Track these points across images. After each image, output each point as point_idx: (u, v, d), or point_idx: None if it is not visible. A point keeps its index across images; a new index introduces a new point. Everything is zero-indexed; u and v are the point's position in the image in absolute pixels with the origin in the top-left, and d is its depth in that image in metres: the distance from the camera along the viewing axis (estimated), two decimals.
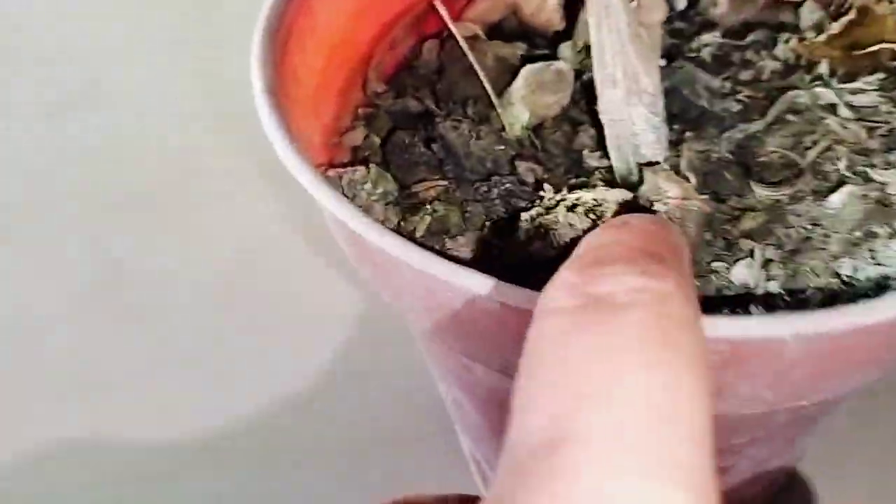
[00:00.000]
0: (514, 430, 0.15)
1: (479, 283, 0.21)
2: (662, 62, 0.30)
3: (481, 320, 0.22)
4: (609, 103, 0.26)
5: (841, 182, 0.26)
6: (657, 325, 0.15)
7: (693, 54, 0.32)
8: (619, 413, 0.14)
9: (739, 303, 0.24)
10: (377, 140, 0.30)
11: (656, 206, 0.25)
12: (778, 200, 0.26)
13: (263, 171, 0.52)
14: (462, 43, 0.31)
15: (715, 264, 0.25)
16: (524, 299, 0.20)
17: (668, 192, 0.25)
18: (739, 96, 0.30)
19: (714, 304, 0.24)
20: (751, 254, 0.25)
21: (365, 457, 0.41)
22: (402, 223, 0.27)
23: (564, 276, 0.17)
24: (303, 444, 0.42)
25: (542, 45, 0.33)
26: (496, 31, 0.35)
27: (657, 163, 0.27)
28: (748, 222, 0.26)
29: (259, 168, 0.52)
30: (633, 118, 0.26)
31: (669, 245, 0.18)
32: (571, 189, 0.26)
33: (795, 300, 0.24)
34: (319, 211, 0.25)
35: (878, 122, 0.28)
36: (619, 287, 0.16)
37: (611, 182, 0.28)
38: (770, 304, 0.24)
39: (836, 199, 0.25)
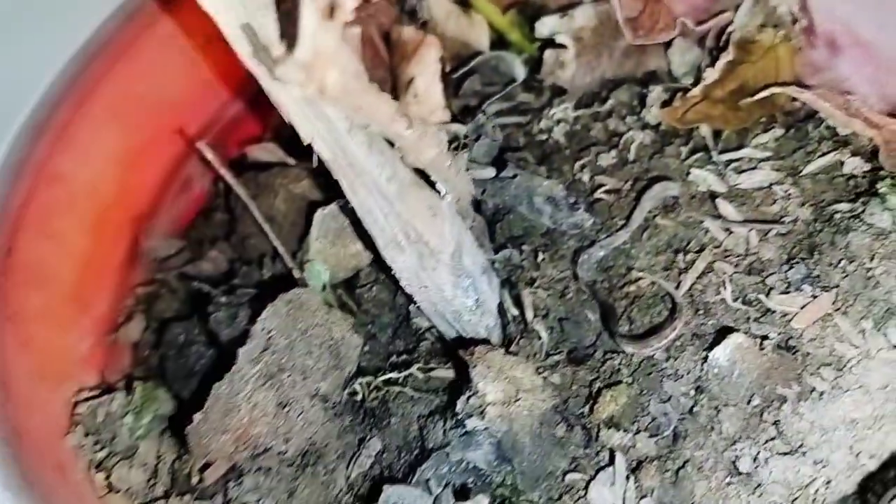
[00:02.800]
0: None
1: None
2: (491, 172, 0.23)
3: None
4: (404, 271, 0.20)
5: (727, 319, 0.19)
6: None
7: (542, 137, 0.25)
8: None
9: None
10: (154, 336, 0.24)
11: (470, 424, 0.18)
12: (650, 356, 0.20)
13: None
14: (239, 191, 0.24)
15: (570, 477, 0.18)
16: None
17: (486, 396, 0.18)
18: (598, 192, 0.23)
19: None
20: (612, 457, 0.18)
21: None
22: (178, 464, 0.21)
23: None
24: None
25: None
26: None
27: (489, 336, 0.20)
28: (611, 404, 0.19)
29: None
30: (438, 285, 0.20)
31: None
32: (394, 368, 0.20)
33: None
34: None
35: (772, 216, 0.21)
36: None
37: (444, 348, 0.21)
38: None
39: (719, 352, 0.19)
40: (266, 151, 0.27)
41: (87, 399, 0.22)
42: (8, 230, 0.23)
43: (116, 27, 0.26)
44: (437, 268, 0.19)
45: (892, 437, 0.17)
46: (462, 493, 0.18)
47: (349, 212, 0.22)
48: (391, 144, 0.18)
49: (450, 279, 0.20)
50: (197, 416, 0.20)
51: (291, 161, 0.27)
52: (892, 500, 0.16)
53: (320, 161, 0.24)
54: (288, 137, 0.28)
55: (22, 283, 0.23)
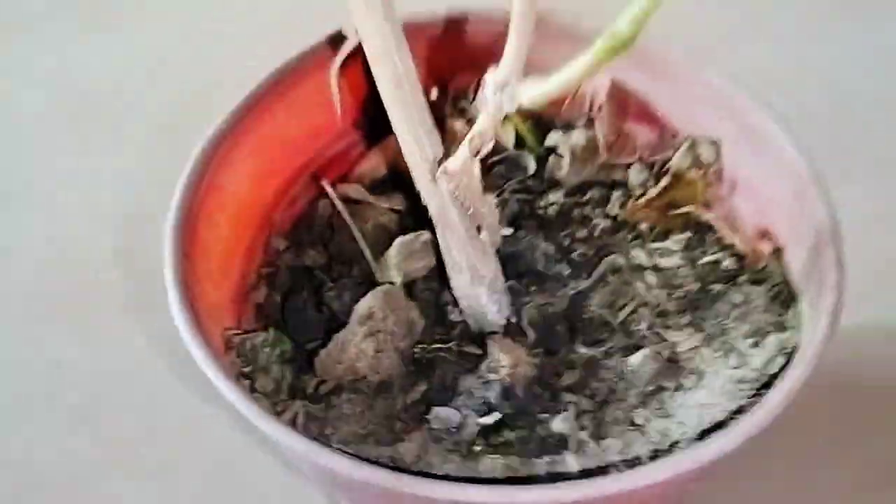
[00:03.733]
0: None
1: (343, 465, 0.27)
2: (508, 231, 0.37)
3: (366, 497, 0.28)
4: (459, 287, 0.33)
5: (641, 341, 0.33)
6: None
7: (542, 211, 0.39)
8: None
9: (558, 448, 0.31)
10: (277, 298, 0.36)
11: (489, 376, 0.31)
12: (594, 356, 0.33)
13: None
14: (346, 216, 0.37)
15: (541, 416, 0.31)
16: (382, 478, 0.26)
17: (501, 361, 0.31)
18: (574, 254, 0.37)
19: (538, 450, 0.30)
20: (566, 407, 0.31)
21: None
22: (296, 381, 0.33)
23: None
24: None
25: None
26: (382, 184, 0.41)
27: (499, 331, 0.33)
28: (569, 377, 0.32)
29: None
30: (478, 296, 0.33)
31: None
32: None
33: (600, 447, 0.30)
34: None
35: (676, 286, 0.35)
36: None
37: (466, 336, 0.35)
38: (582, 449, 0.30)
39: (634, 359, 0.32)
40: (354, 190, 0.40)
41: (236, 334, 0.35)
42: (192, 221, 0.35)
43: (281, 76, 0.38)
44: (481, 286, 0.33)
45: (719, 415, 0.30)
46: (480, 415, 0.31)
47: (427, 243, 0.35)
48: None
49: (486, 293, 0.33)
50: (323, 350, 0.33)
51: (371, 200, 0.40)
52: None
53: (403, 207, 0.38)
54: (368, 185, 0.41)
55: (200, 255, 0.35)
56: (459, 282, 0.33)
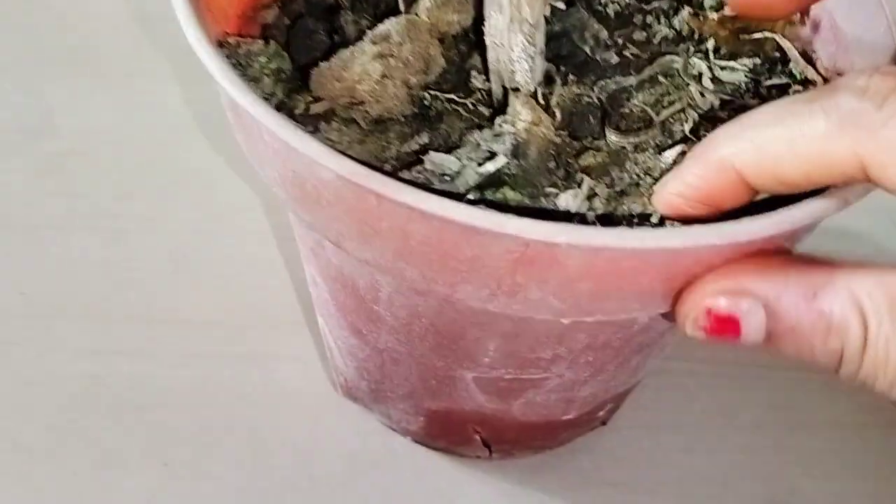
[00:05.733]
0: None
1: (319, 152, 0.23)
2: (561, 4, 0.32)
3: (322, 191, 0.25)
4: (494, 28, 0.29)
5: (681, 141, 0.29)
6: None
7: (598, 7, 0.34)
8: None
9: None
10: (286, 21, 0.32)
11: (504, 127, 0.27)
12: (624, 147, 0.29)
13: None
14: None
15: (549, 189, 0.27)
16: (360, 173, 0.22)
17: (520, 114, 0.27)
18: (625, 52, 0.32)
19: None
20: (579, 185, 0.27)
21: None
22: (286, 100, 0.29)
23: None
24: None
25: None
26: None
27: (527, 92, 0.29)
28: (590, 159, 0.28)
29: None
30: (512, 45, 0.29)
31: None
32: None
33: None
34: None
35: (733, 97, 0.31)
36: None
37: (486, 104, 0.30)
38: None
39: (669, 154, 0.28)
40: None
41: (232, 37, 0.31)
42: None
43: None
44: (518, 33, 0.28)
45: None
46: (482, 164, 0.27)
47: None
48: None
49: (521, 44, 0.28)
50: (324, 63, 0.29)
51: None
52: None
53: None
54: None
55: None
56: (496, 22, 0.29)
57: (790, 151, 0.21)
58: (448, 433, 0.39)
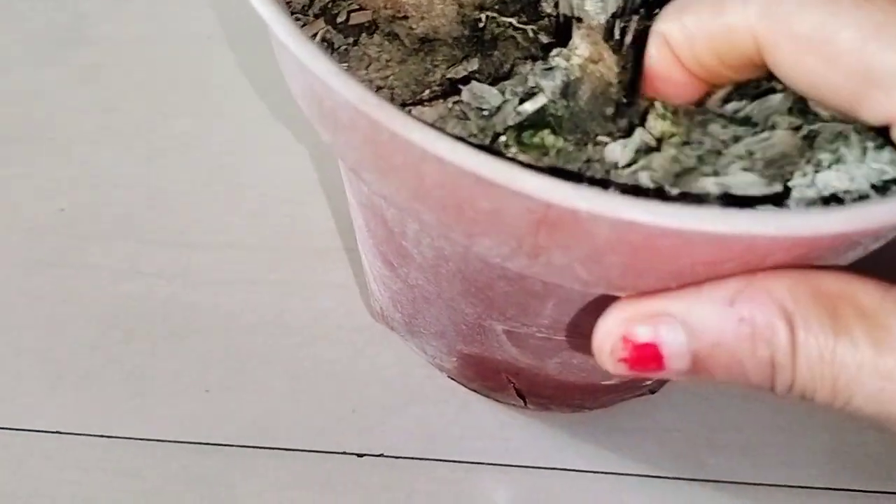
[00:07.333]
0: None
1: (328, 72, 0.20)
2: None
3: (339, 113, 0.22)
4: None
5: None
6: None
7: None
8: None
9: (604, 183, 0.23)
10: None
11: (557, 61, 0.24)
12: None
13: None
14: None
15: (599, 138, 0.24)
16: (369, 101, 0.20)
17: (577, 48, 0.24)
18: None
19: (578, 174, 0.23)
20: (629, 133, 0.24)
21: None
22: (330, 4, 0.27)
23: None
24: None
25: None
26: None
27: (595, 23, 0.25)
28: (657, 122, 0.24)
29: None
30: None
31: None
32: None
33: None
34: None
35: None
36: None
37: (551, 32, 0.27)
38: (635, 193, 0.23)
39: (779, 134, 0.24)
40: None
41: None
42: None
43: None
44: None
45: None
46: (523, 102, 0.24)
47: None
48: None
49: None
50: None
51: None
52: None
53: None
54: None
55: None
56: None
57: (701, 28, 0.21)
58: (482, 377, 0.37)
